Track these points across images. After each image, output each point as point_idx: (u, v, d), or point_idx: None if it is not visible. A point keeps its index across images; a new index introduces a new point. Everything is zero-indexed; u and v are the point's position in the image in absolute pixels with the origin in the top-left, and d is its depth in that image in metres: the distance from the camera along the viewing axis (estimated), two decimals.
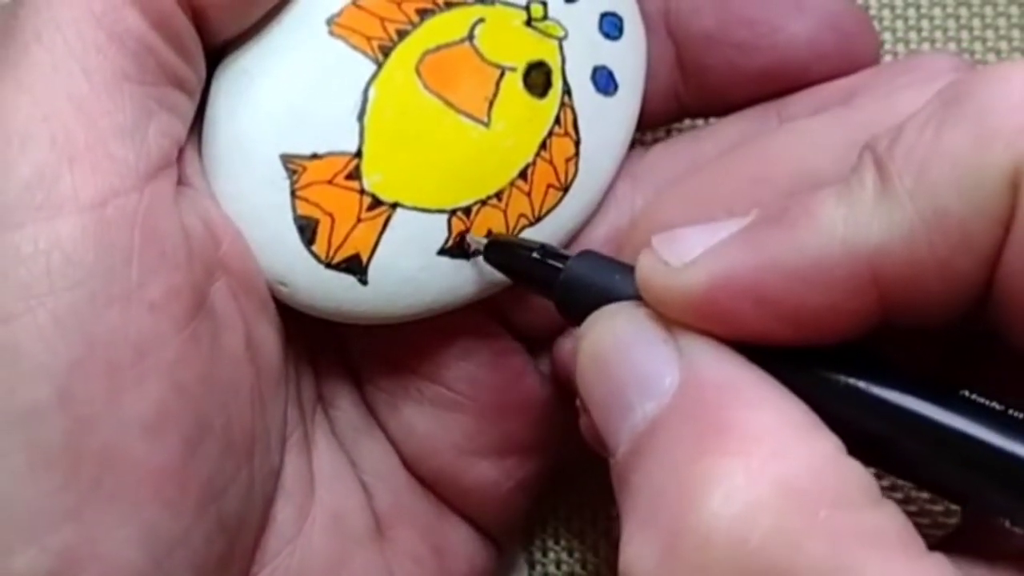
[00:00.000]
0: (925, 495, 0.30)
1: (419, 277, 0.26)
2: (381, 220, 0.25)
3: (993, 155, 0.19)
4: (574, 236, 0.28)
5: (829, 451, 0.19)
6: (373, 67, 0.25)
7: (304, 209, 0.25)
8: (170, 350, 0.22)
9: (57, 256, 0.21)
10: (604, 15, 0.28)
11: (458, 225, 0.26)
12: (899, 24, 0.33)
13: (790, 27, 0.27)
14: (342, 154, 0.25)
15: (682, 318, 0.21)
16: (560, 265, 0.24)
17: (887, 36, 0.33)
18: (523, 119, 0.26)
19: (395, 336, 0.28)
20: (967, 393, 0.19)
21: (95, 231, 0.22)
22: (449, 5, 0.26)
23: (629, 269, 0.22)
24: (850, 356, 0.20)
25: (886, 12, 0.33)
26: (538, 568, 0.33)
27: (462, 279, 0.26)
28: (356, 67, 0.25)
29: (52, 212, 0.21)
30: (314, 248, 0.25)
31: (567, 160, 0.27)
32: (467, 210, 0.26)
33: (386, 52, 0.25)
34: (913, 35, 0.33)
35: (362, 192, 0.25)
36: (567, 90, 0.27)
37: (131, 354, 0.22)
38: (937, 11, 0.32)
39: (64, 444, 0.21)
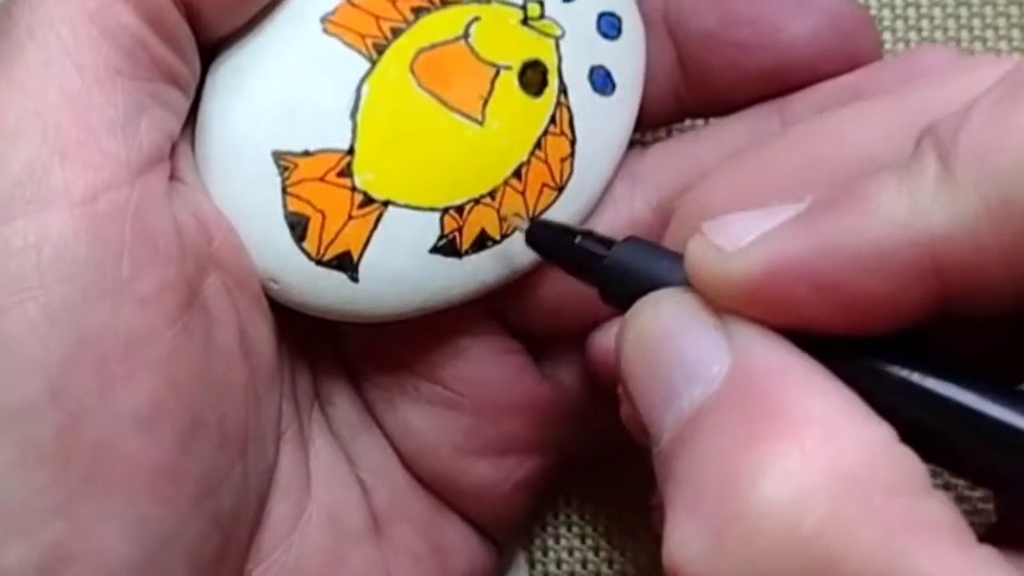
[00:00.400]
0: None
1: (410, 275, 0.26)
2: (372, 218, 0.25)
3: None
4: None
5: (883, 438, 0.19)
6: (367, 65, 0.25)
7: (295, 206, 0.25)
8: (162, 344, 0.22)
9: (48, 250, 0.21)
10: (602, 15, 0.28)
11: (450, 223, 0.26)
12: (899, 24, 0.32)
13: (792, 26, 0.27)
14: (334, 151, 0.25)
15: (733, 305, 0.20)
16: (604, 251, 0.23)
17: (887, 36, 0.32)
18: (518, 118, 0.26)
19: (393, 334, 0.28)
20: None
21: (86, 225, 0.22)
22: (444, 3, 0.26)
23: (676, 256, 0.22)
24: (904, 347, 0.20)
25: (886, 12, 0.32)
26: (538, 567, 0.33)
27: (454, 278, 0.26)
28: (350, 64, 0.25)
29: (43, 206, 0.22)
30: (305, 245, 0.25)
31: (562, 160, 0.27)
32: (460, 208, 0.26)
33: (380, 50, 0.25)
34: (913, 35, 0.32)
35: (353, 189, 0.25)
36: (563, 89, 0.27)
37: (123, 348, 0.22)
38: (937, 11, 0.32)
39: (56, 439, 0.21)
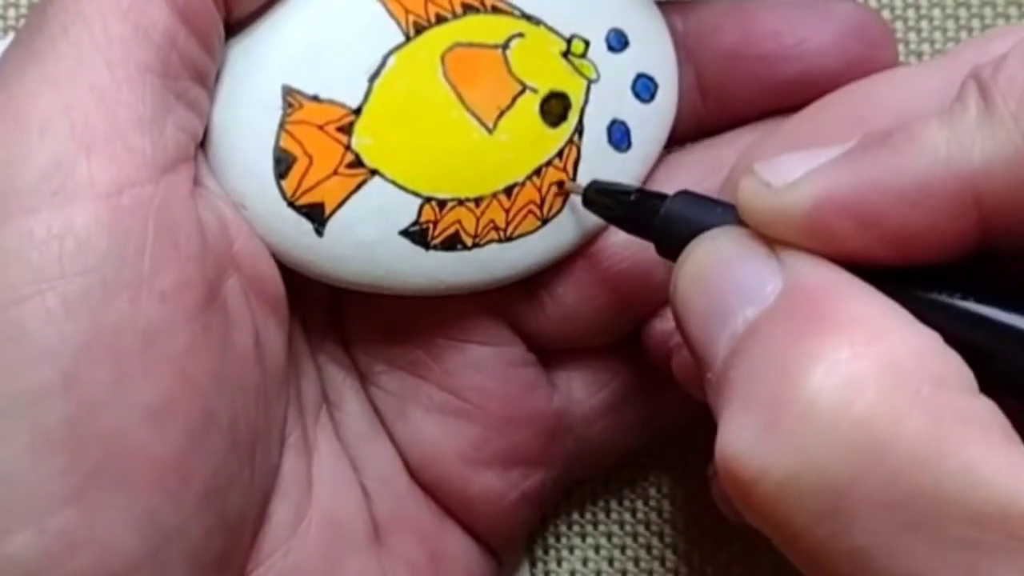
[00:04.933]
0: None
1: (374, 249, 0.26)
2: (356, 181, 0.25)
3: None
4: (543, 268, 0.28)
5: (931, 340, 0.19)
6: (401, 38, 0.25)
7: (287, 143, 0.25)
8: (179, 340, 0.23)
9: (70, 242, 0.21)
10: (641, 76, 0.28)
11: (427, 213, 0.26)
12: (899, 25, 0.33)
13: (817, 36, 0.27)
14: (342, 106, 0.25)
15: (784, 238, 0.21)
16: (659, 205, 0.24)
17: None
18: (527, 140, 0.27)
19: (406, 341, 0.28)
20: None
21: (109, 219, 0.22)
22: (495, 10, 0.26)
23: (728, 206, 0.23)
24: (950, 274, 0.20)
25: (885, 13, 0.33)
26: (540, 566, 0.33)
27: (415, 267, 0.26)
28: (385, 32, 0.25)
29: (67, 199, 0.22)
30: (283, 183, 0.25)
31: (555, 195, 0.27)
32: (442, 203, 0.26)
33: (419, 30, 0.26)
34: (913, 36, 0.33)
35: (347, 148, 0.25)
36: (579, 130, 0.27)
37: (140, 342, 0.22)
38: (936, 12, 0.33)
39: (67, 428, 0.21)
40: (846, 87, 0.26)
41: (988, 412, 0.19)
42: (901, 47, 0.33)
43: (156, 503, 0.22)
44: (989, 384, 0.20)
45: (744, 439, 0.19)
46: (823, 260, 0.21)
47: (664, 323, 0.28)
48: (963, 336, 0.20)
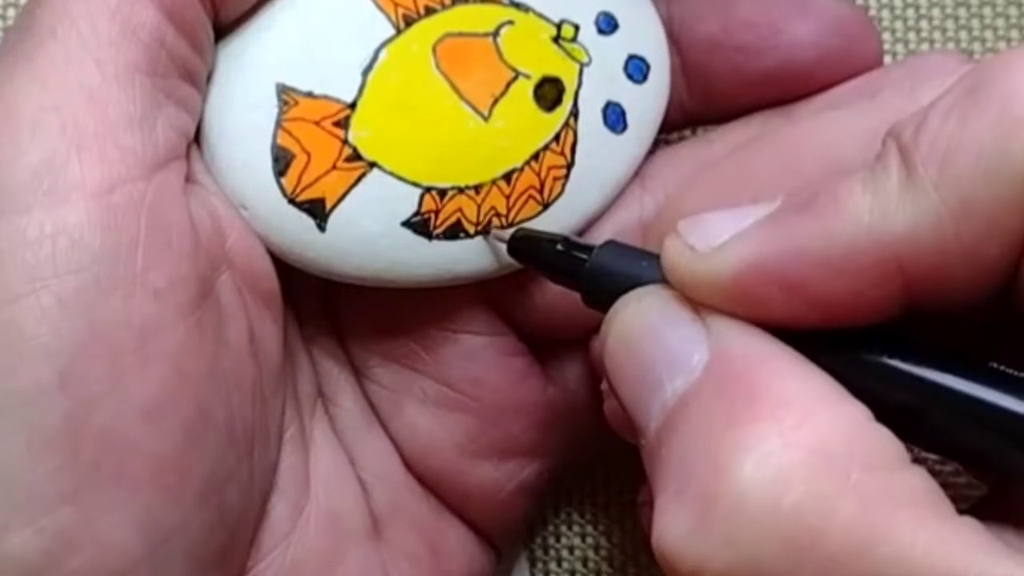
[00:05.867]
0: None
1: (377, 241, 0.26)
2: (355, 174, 0.25)
3: (1018, 143, 0.19)
4: None
5: (858, 417, 0.19)
6: (392, 31, 0.26)
7: (284, 140, 0.25)
8: (174, 337, 0.23)
9: (63, 240, 0.22)
10: (632, 57, 0.28)
11: (428, 203, 0.26)
12: (898, 24, 0.33)
13: (794, 29, 0.27)
14: (337, 101, 0.25)
15: (709, 302, 0.21)
16: (585, 256, 0.24)
17: (886, 36, 0.33)
18: (523, 125, 0.27)
19: (399, 333, 0.28)
20: (995, 364, 0.20)
21: (101, 217, 0.22)
22: None
23: (654, 256, 0.22)
24: (877, 336, 0.20)
25: (885, 13, 0.33)
26: (539, 565, 0.33)
27: (419, 257, 0.26)
28: (376, 26, 0.26)
29: (59, 198, 0.22)
30: (283, 180, 0.25)
31: (555, 179, 0.27)
32: (442, 192, 0.26)
33: (409, 22, 0.26)
34: (912, 36, 0.33)
35: (344, 142, 0.25)
36: (575, 113, 0.27)
37: (134, 339, 0.22)
38: (936, 12, 0.33)
39: (64, 426, 0.22)
40: (778, 131, 0.26)
41: (919, 487, 0.19)
42: (900, 47, 0.33)
43: (154, 500, 0.22)
44: (919, 443, 0.20)
45: (679, 531, 0.19)
46: (749, 326, 0.21)
47: None
48: (891, 397, 0.20)
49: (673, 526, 0.19)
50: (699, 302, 0.21)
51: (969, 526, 0.18)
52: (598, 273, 0.24)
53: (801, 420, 0.19)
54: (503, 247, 0.26)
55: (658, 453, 0.20)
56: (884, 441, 0.19)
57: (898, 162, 0.20)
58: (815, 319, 0.20)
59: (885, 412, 0.20)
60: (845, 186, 0.20)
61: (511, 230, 0.26)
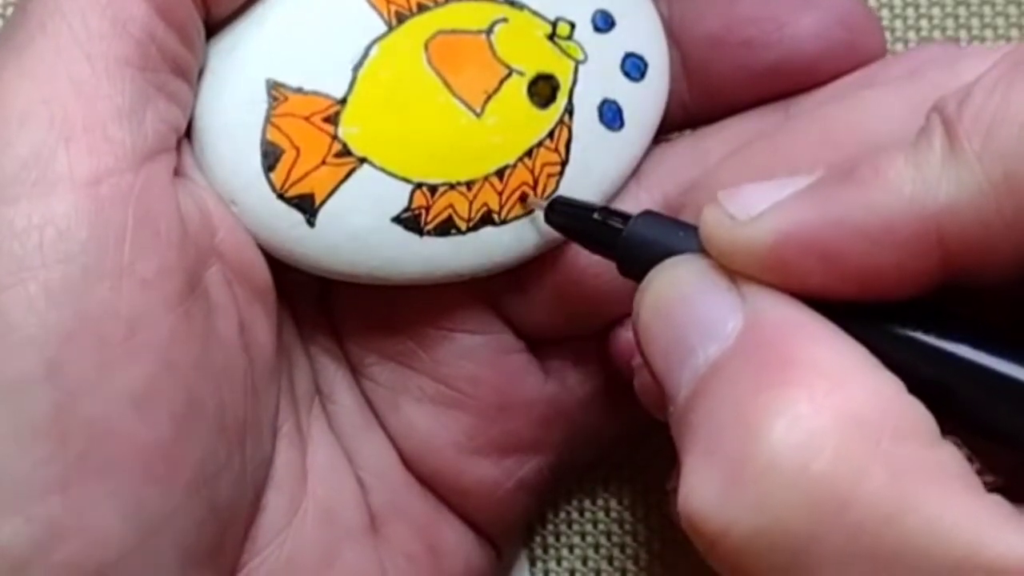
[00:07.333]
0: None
1: (367, 237, 0.26)
2: (345, 170, 0.25)
3: None
4: (540, 252, 0.28)
5: (892, 387, 0.19)
6: (383, 28, 0.26)
7: (273, 136, 0.25)
8: (162, 328, 0.23)
9: (50, 231, 0.22)
10: (629, 55, 0.28)
11: (419, 199, 0.26)
12: (898, 24, 0.32)
13: (798, 22, 0.27)
14: (327, 97, 0.25)
15: (746, 271, 0.21)
16: (621, 225, 0.24)
17: (886, 35, 0.32)
18: (517, 122, 0.27)
19: (396, 331, 0.28)
20: None
21: (89, 208, 0.22)
22: None
23: (691, 228, 0.22)
24: (913, 310, 0.20)
25: (885, 12, 0.32)
26: (539, 564, 0.33)
27: (410, 254, 0.26)
28: (367, 23, 0.26)
29: (47, 189, 0.22)
30: (272, 176, 0.25)
31: (549, 175, 0.27)
32: (433, 188, 0.26)
33: (401, 19, 0.26)
34: (912, 35, 0.33)
35: (334, 138, 0.25)
36: (570, 110, 0.27)
37: (122, 329, 0.22)
38: (936, 11, 0.32)
39: (52, 416, 0.22)
40: (813, 112, 0.26)
41: (949, 461, 0.19)
42: (900, 46, 0.33)
43: (144, 491, 0.23)
44: (951, 421, 0.20)
45: (706, 494, 0.19)
46: (785, 296, 0.20)
47: (628, 332, 0.27)
48: (924, 372, 0.20)
49: (700, 488, 0.19)
50: (735, 271, 0.21)
51: (996, 502, 0.18)
52: (634, 242, 0.24)
53: (834, 387, 0.19)
54: (540, 216, 0.26)
55: (687, 419, 0.20)
56: (917, 413, 0.19)
57: (941, 134, 0.20)
58: (851, 291, 0.20)
59: (917, 386, 0.19)
60: (887, 157, 0.20)
61: (548, 199, 0.26)
